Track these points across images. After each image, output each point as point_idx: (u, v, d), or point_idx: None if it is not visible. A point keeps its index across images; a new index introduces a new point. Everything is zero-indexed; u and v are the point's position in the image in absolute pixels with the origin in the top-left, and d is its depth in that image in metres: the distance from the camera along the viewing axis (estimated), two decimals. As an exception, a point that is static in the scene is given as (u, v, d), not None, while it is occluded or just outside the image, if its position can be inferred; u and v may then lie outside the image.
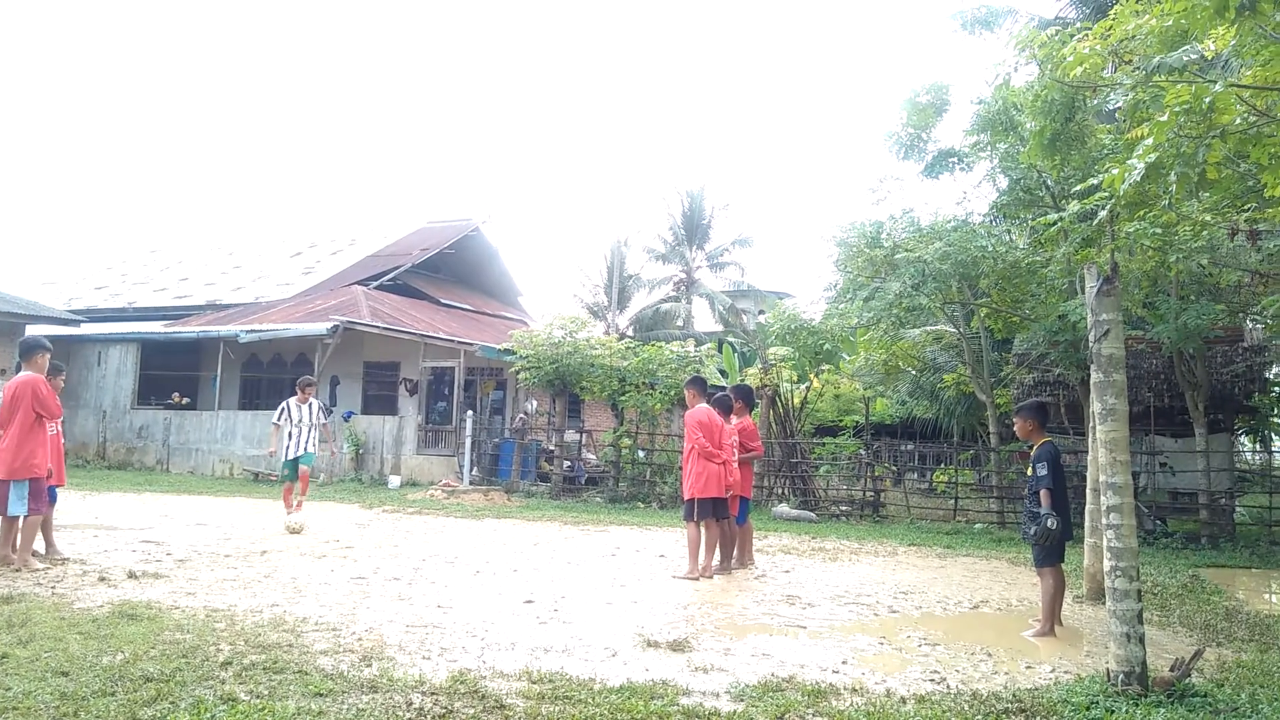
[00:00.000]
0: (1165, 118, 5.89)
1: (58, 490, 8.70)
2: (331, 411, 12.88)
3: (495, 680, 4.88)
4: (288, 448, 12.26)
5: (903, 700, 4.80)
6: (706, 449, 8.93)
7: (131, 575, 7.61)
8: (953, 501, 16.48)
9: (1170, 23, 6.49)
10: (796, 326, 17.15)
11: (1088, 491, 8.40)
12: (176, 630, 5.65)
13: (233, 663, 4.95)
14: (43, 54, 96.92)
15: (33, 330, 20.35)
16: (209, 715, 4.10)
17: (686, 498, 9.00)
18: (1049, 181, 13.21)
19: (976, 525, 14.92)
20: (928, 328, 19.98)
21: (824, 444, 21.06)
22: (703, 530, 8.90)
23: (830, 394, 27.01)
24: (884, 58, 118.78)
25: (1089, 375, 5.90)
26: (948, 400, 22.49)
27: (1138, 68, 7.01)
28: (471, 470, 18.75)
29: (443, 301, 27.54)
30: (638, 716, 4.34)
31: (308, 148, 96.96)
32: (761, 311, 37.79)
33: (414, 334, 20.47)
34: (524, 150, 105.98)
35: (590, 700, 4.55)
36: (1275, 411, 16.88)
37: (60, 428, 8.74)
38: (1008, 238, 14.88)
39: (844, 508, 16.57)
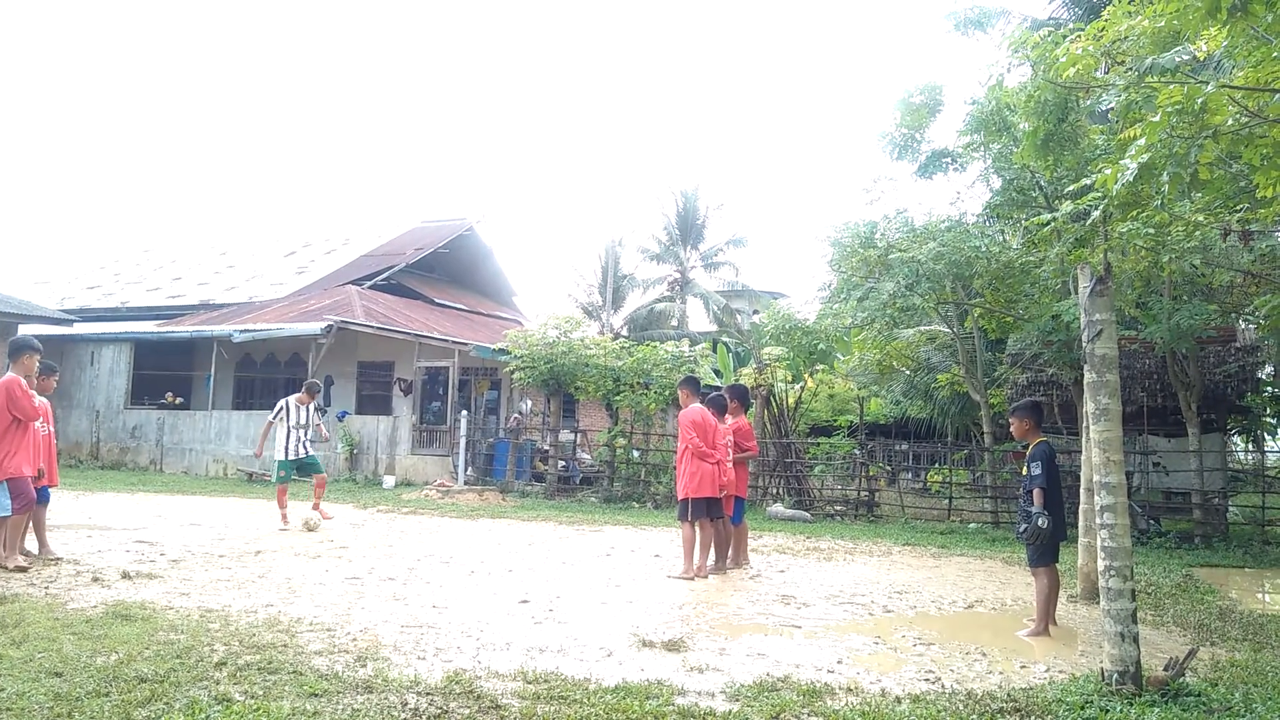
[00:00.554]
0: (1158, 118, 5.92)
1: (50, 490, 8.68)
2: (325, 411, 12.88)
3: (490, 680, 4.88)
4: (287, 448, 12.14)
5: (898, 700, 4.81)
6: (700, 449, 8.93)
7: (125, 575, 7.60)
8: (947, 501, 16.51)
9: (1162, 24, 6.51)
10: (791, 326, 17.17)
11: (1081, 491, 8.42)
12: (171, 631, 5.64)
13: (227, 663, 4.94)
14: (35, 53, 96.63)
15: (25, 330, 20.30)
16: (203, 716, 4.10)
17: (681, 498, 9.02)
18: (1042, 182, 13.24)
19: (971, 525, 14.95)
20: (922, 328, 20.01)
21: (819, 444, 21.11)
22: (697, 530, 8.91)
23: (825, 394, 27.04)
24: (878, 58, 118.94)
25: (1082, 375, 5.92)
26: (942, 400, 22.52)
27: (1130, 68, 7.03)
28: (466, 470, 18.73)
29: (437, 301, 27.52)
30: (633, 716, 4.34)
31: (301, 147, 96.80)
32: (756, 311, 37.82)
33: (408, 334, 20.45)
34: (518, 150, 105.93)
35: (585, 700, 4.55)
36: (1268, 411, 16.93)
37: (53, 428, 8.71)
38: (1001, 238, 14.91)
39: (839, 507, 16.59)
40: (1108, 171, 6.31)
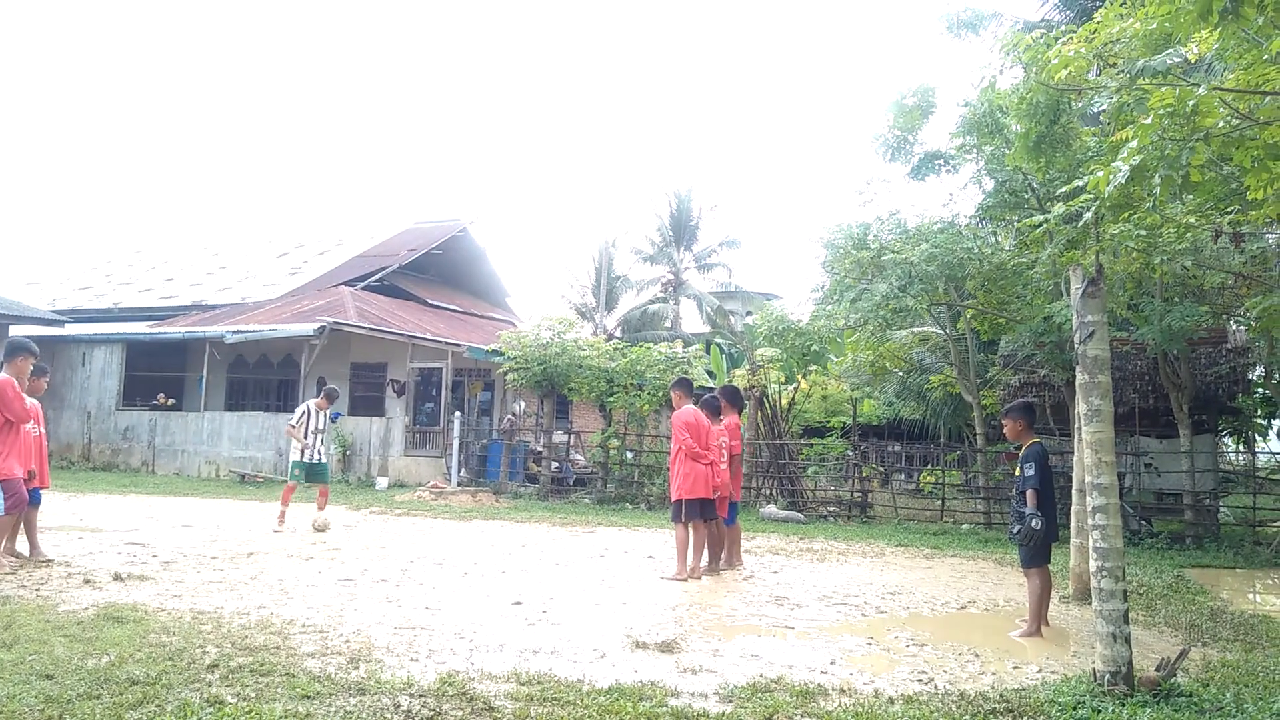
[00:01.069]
0: (1149, 120, 5.93)
1: (41, 492, 8.64)
2: (337, 418, 12.95)
3: (484, 682, 4.87)
4: (303, 450, 12.23)
5: (890, 701, 4.82)
6: (694, 450, 8.94)
7: (117, 577, 7.57)
8: (940, 502, 16.55)
9: (1154, 26, 6.53)
10: (784, 327, 17.18)
11: (1073, 492, 8.45)
12: (162, 633, 5.62)
13: (219, 665, 4.93)
14: (26, 53, 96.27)
15: (16, 331, 20.21)
16: (195, 718, 4.09)
17: (674, 499, 9.02)
18: (1034, 184, 13.27)
19: (963, 526, 14.98)
20: (914, 329, 20.04)
21: (812, 445, 21.11)
22: (690, 531, 8.91)
23: (818, 395, 27.06)
24: (871, 60, 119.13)
25: (1074, 376, 5.94)
26: (934, 401, 22.57)
27: (1122, 70, 7.05)
28: (459, 471, 18.71)
29: (430, 302, 27.48)
30: (626, 718, 4.34)
31: (295, 148, 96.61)
32: (749, 312, 37.82)
33: (401, 335, 20.41)
34: (512, 151, 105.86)
35: (579, 702, 4.54)
36: (1259, 413, 16.99)
37: (44, 429, 8.68)
38: (993, 239, 14.94)
39: (831, 508, 16.60)
40: (1100, 173, 6.33)
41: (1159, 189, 6.17)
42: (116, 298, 29.19)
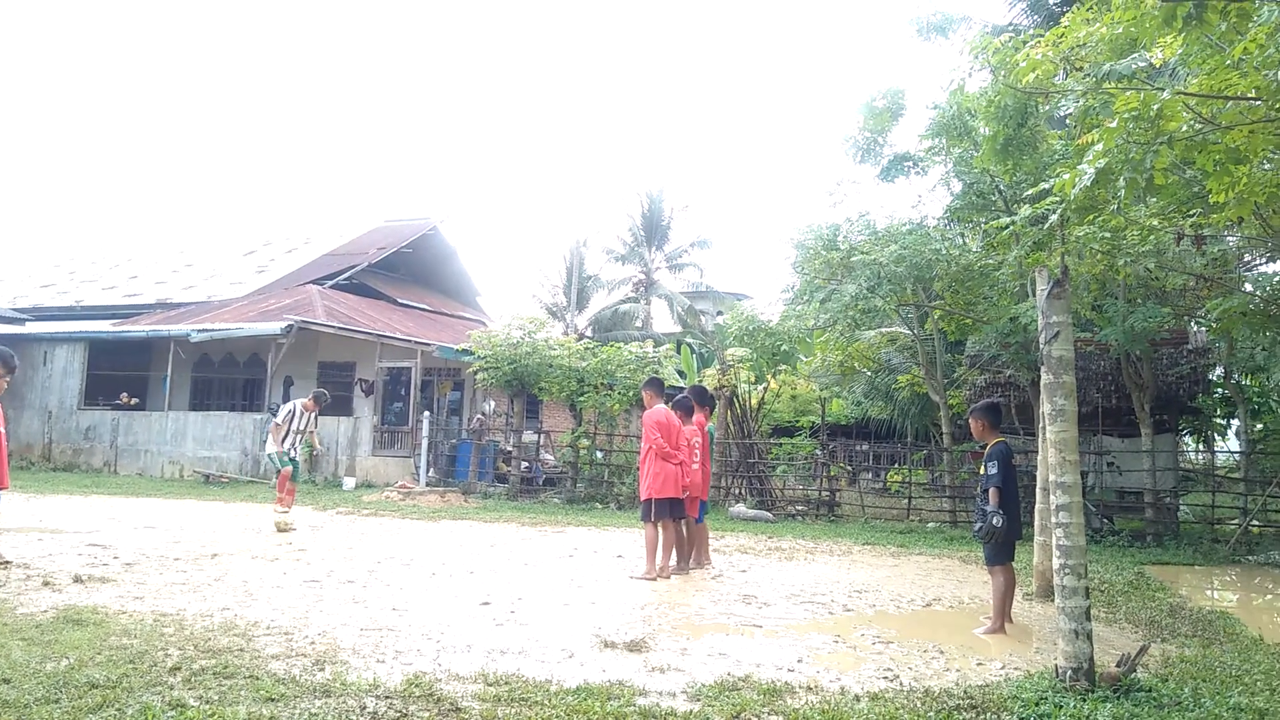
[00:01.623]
0: (1114, 124, 6.01)
1: (1, 492, 8.49)
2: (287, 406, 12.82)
3: (451, 683, 4.84)
4: (283, 444, 12.27)
5: (857, 698, 4.84)
6: (664, 450, 8.94)
7: (77, 579, 7.45)
8: (906, 501, 16.67)
9: (1120, 31, 6.62)
10: (754, 328, 17.25)
11: (1037, 491, 8.55)
12: (123, 635, 5.53)
13: (182, 668, 4.86)
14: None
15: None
16: (157, 721, 4.03)
17: (644, 498, 9.02)
18: (1001, 186, 13.41)
19: (929, 524, 15.11)
20: (883, 329, 20.18)
21: (781, 444, 21.20)
22: (660, 531, 8.92)
23: (787, 395, 27.18)
24: (842, 62, 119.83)
25: (1039, 377, 6.00)
26: (902, 401, 22.74)
27: (1088, 75, 7.14)
28: (428, 471, 18.60)
29: (400, 301, 27.30)
30: (594, 717, 4.33)
31: (263, 146, 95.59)
32: (720, 313, 37.94)
33: (370, 334, 20.26)
34: (483, 150, 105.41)
35: (547, 702, 4.53)
36: (1218, 412, 17.28)
37: (4, 429, 8.53)
38: (961, 241, 15.08)
39: (800, 507, 16.68)
40: (1065, 176, 6.40)
41: (1123, 191, 6.26)
42: (79, 295, 28.73)
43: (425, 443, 18.60)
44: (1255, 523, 13.81)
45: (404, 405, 20.48)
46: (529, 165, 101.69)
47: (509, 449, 19.42)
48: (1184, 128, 6.16)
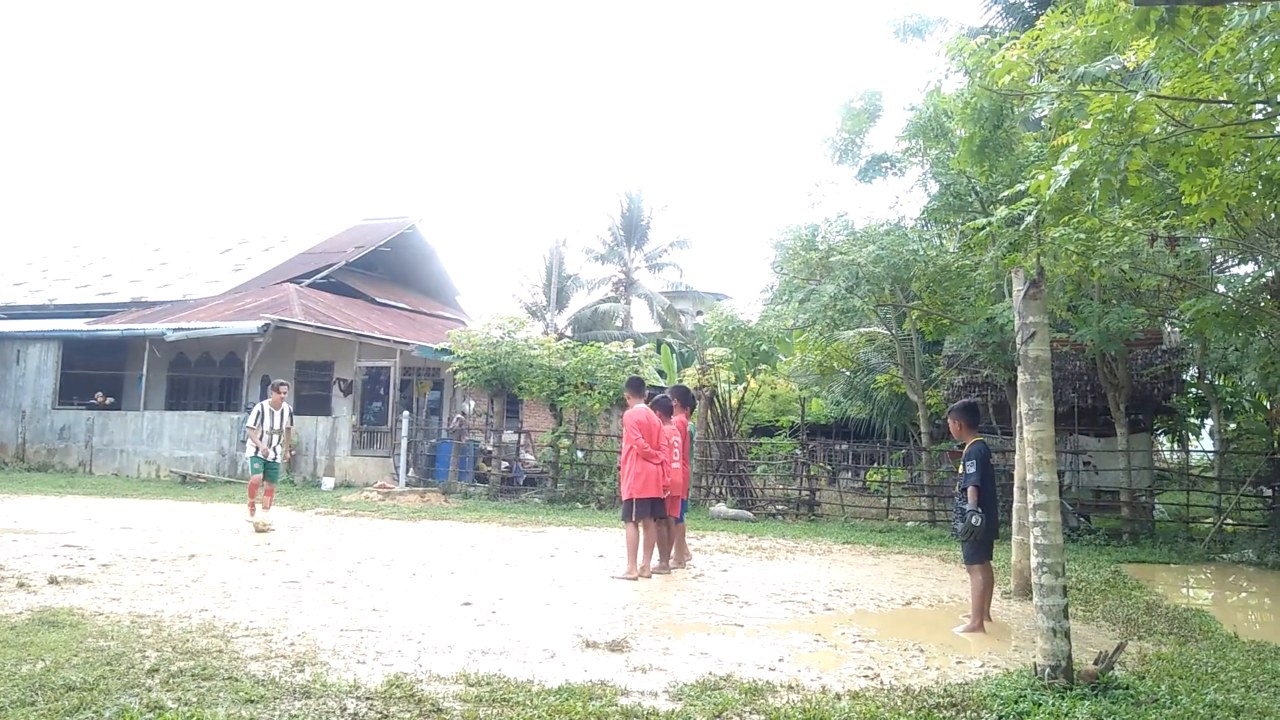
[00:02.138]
0: (1089, 126, 6.08)
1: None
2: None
3: (432, 684, 4.83)
4: (259, 446, 12.28)
5: (838, 696, 4.87)
6: (645, 449, 8.95)
7: (53, 581, 7.38)
8: (886, 500, 16.75)
9: (1094, 34, 6.69)
10: (734, 327, 17.30)
11: (1015, 490, 8.61)
12: (100, 637, 5.49)
13: (159, 670, 4.83)
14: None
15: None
16: (135, 724, 4.00)
17: (625, 498, 9.01)
18: (978, 187, 13.52)
19: (909, 523, 15.19)
20: (861, 329, 20.29)
21: (761, 444, 21.26)
22: (641, 530, 8.93)
23: (767, 394, 27.25)
24: (820, 62, 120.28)
25: (1016, 376, 6.05)
26: (881, 400, 22.86)
27: (1063, 77, 7.21)
28: (408, 471, 18.52)
29: (378, 300, 27.15)
30: (576, 717, 4.34)
31: (239, 143, 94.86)
32: (700, 312, 37.99)
33: (348, 333, 20.15)
34: (461, 149, 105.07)
35: (528, 702, 4.53)
36: (1192, 412, 17.48)
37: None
38: (938, 242, 15.19)
39: (780, 507, 16.73)
40: (1041, 177, 6.47)
41: (1098, 193, 6.33)
42: (52, 294, 28.39)
43: (405, 442, 18.52)
44: (1229, 521, 13.97)
45: (383, 405, 20.38)
46: (508, 164, 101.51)
47: (489, 449, 19.37)
48: (1157, 130, 6.24)
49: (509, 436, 20.37)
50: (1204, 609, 8.38)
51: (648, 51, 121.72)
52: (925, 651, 6.11)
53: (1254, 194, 7.29)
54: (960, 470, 7.09)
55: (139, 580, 7.65)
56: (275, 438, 12.41)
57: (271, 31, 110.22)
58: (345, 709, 4.32)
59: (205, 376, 23.84)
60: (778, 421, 25.87)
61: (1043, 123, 10.72)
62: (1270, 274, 11.69)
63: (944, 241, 15.35)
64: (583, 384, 17.95)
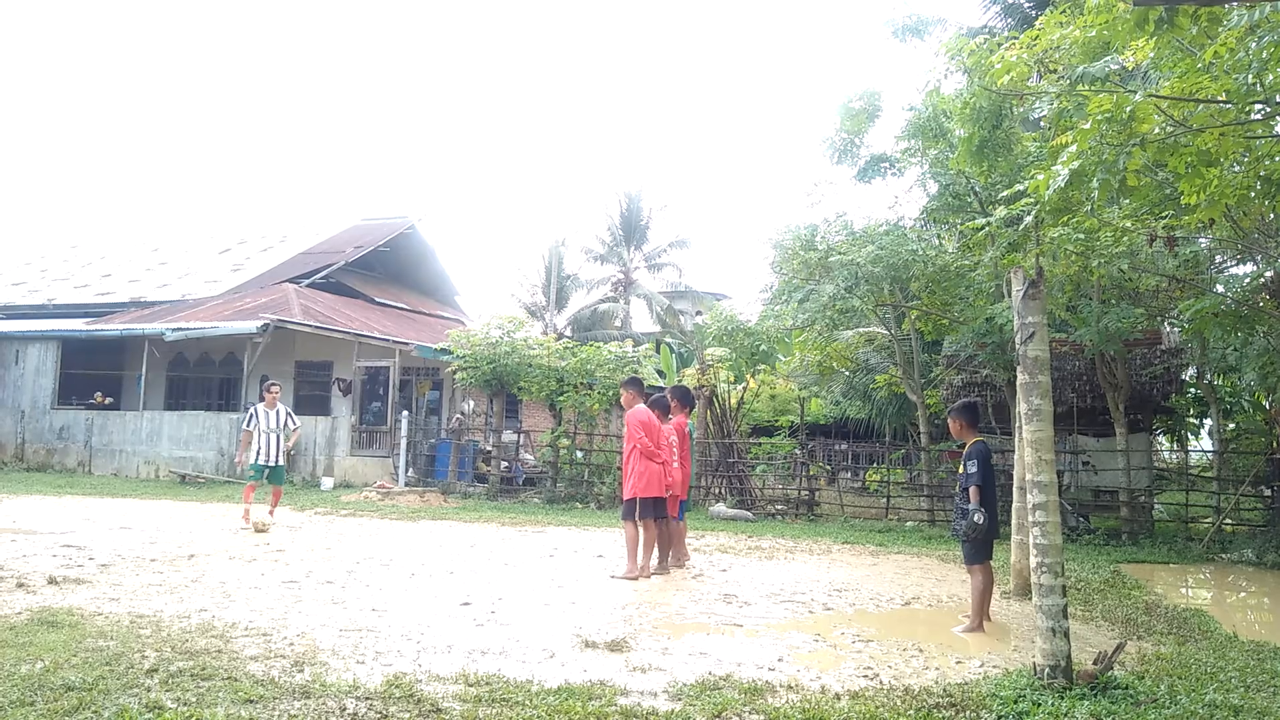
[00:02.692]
0: (1088, 126, 6.08)
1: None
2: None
3: (431, 684, 4.83)
4: (258, 453, 12.24)
5: (837, 696, 4.87)
6: (648, 449, 8.96)
7: (52, 581, 7.38)
8: (885, 500, 16.76)
9: (1093, 34, 6.69)
10: (733, 328, 17.30)
11: (1014, 490, 8.62)
12: (99, 637, 5.49)
13: (159, 670, 4.82)
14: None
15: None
16: (134, 724, 4.00)
17: (627, 497, 8.99)
18: (977, 187, 13.52)
19: (908, 523, 15.19)
20: (860, 329, 20.29)
21: (760, 444, 21.26)
22: (641, 530, 8.93)
23: (766, 394, 27.27)
24: (819, 62, 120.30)
25: (1015, 376, 6.06)
26: (880, 400, 22.87)
27: (1062, 77, 7.22)
28: (407, 471, 18.51)
29: (377, 300, 27.15)
30: (575, 717, 4.34)
31: (238, 143, 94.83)
32: (699, 312, 38.00)
33: (347, 333, 20.14)
34: (461, 149, 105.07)
35: (528, 702, 4.53)
36: (1191, 412, 17.48)
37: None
38: (937, 242, 15.19)
39: (780, 507, 16.73)
40: (1040, 177, 6.47)
41: (1097, 193, 6.33)
42: (51, 294, 28.38)
43: (404, 442, 18.51)
44: (1228, 521, 13.98)
45: (382, 405, 20.38)
46: (507, 164, 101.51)
47: (488, 449, 19.36)
48: (1156, 130, 6.24)
49: (508, 436, 20.37)
50: (1203, 609, 8.37)
51: (647, 52, 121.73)
52: (924, 651, 6.11)
53: (1253, 194, 7.29)
54: (961, 470, 7.09)
55: (138, 580, 7.65)
56: (272, 438, 12.34)
57: (271, 32, 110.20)
58: (345, 709, 4.32)
59: (204, 376, 23.83)
60: (777, 421, 25.88)
61: (1042, 123, 10.73)
62: (1269, 274, 11.70)
63: (943, 241, 15.36)
64: (582, 384, 17.96)
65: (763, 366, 18.66)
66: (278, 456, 12.41)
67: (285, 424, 12.59)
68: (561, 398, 17.90)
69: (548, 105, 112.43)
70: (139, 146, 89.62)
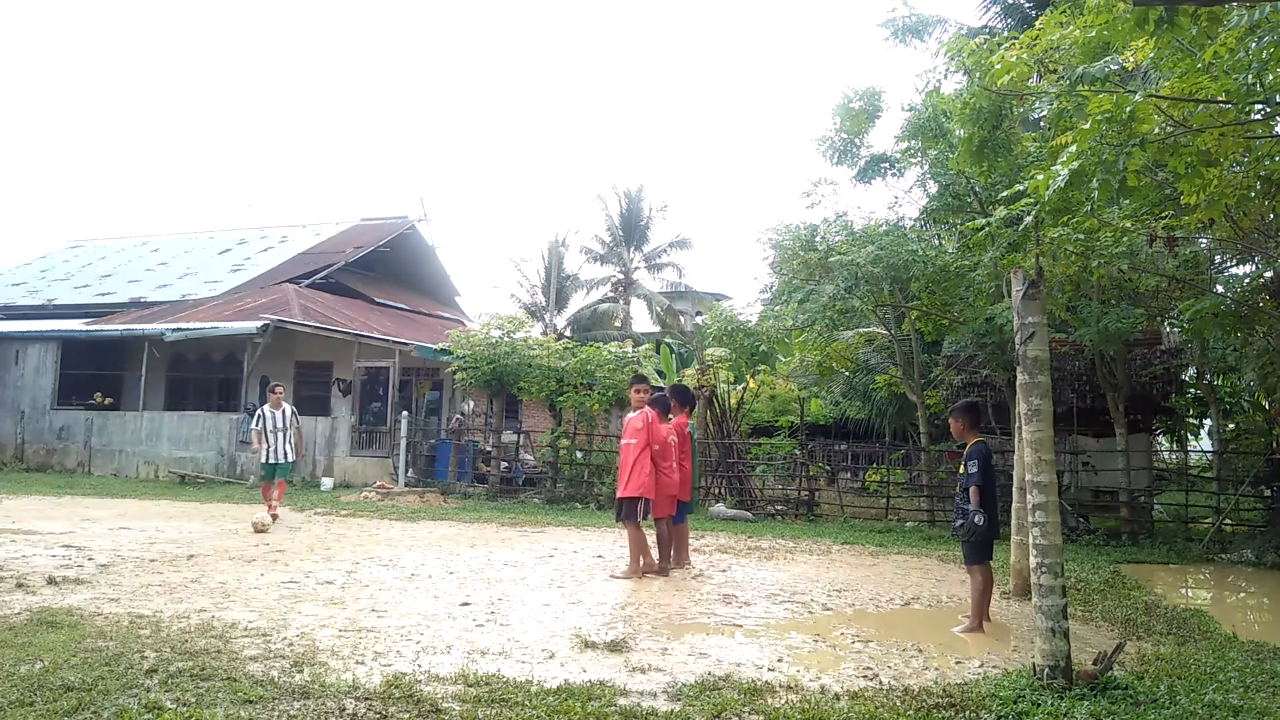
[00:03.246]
0: (1088, 126, 6.08)
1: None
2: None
3: (431, 684, 4.83)
4: (265, 452, 12.77)
5: (836, 697, 4.87)
6: (653, 449, 8.95)
7: (51, 581, 7.37)
8: (885, 500, 16.75)
9: (1093, 34, 6.69)
10: (733, 328, 17.29)
11: (1014, 490, 8.62)
12: (99, 638, 5.49)
13: (158, 670, 4.82)
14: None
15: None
16: (133, 725, 3.99)
17: (630, 497, 8.93)
18: (977, 188, 13.51)
19: (908, 523, 15.18)
20: (860, 330, 20.29)
21: (760, 444, 21.24)
22: (642, 530, 8.91)
23: (766, 395, 27.26)
24: (820, 61, 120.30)
25: (1015, 377, 6.05)
26: (880, 401, 22.86)
27: (1062, 77, 7.21)
28: (407, 472, 18.51)
29: (377, 301, 27.14)
30: (575, 718, 4.33)
31: (238, 144, 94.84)
32: (699, 313, 37.97)
33: (347, 333, 20.13)
34: (462, 150, 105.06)
35: (527, 702, 4.53)
36: (1191, 412, 17.48)
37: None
38: (937, 242, 15.19)
39: (779, 507, 16.72)
40: (1040, 177, 6.47)
41: (1097, 193, 6.33)
42: (51, 294, 28.39)
43: (404, 443, 18.51)
44: (1228, 521, 13.98)
45: (382, 405, 20.37)
46: (507, 164, 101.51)
47: (488, 449, 19.35)
48: (1156, 130, 6.24)
49: (508, 437, 20.36)
50: (1203, 609, 8.37)
51: (647, 52, 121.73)
52: (924, 652, 6.11)
53: (1252, 194, 7.30)
54: (961, 470, 7.08)
55: (138, 580, 7.64)
56: (279, 437, 12.77)
57: (271, 33, 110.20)
58: (344, 709, 4.32)
59: (204, 377, 23.83)
60: (777, 422, 25.86)
61: (1042, 123, 10.74)
62: (1269, 274, 11.70)
63: (943, 242, 15.35)
64: (582, 384, 17.95)
65: (762, 367, 18.66)
66: (283, 454, 12.85)
67: (290, 423, 13.01)
68: (561, 398, 17.90)
69: (548, 105, 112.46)
70: (139, 147, 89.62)
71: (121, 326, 22.26)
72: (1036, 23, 7.54)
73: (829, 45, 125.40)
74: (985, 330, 13.77)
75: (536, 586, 8.14)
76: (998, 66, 7.54)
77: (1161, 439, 21.15)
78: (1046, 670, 5.00)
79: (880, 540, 12.99)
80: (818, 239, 15.18)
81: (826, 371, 20.85)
